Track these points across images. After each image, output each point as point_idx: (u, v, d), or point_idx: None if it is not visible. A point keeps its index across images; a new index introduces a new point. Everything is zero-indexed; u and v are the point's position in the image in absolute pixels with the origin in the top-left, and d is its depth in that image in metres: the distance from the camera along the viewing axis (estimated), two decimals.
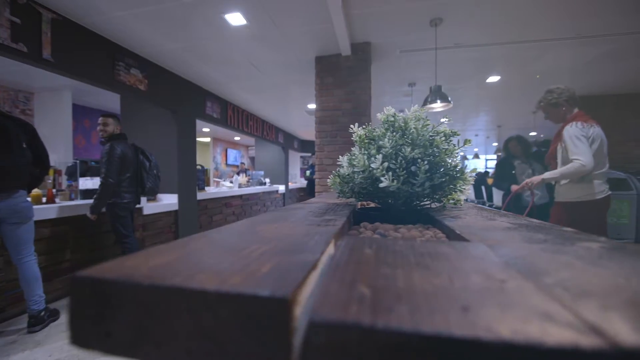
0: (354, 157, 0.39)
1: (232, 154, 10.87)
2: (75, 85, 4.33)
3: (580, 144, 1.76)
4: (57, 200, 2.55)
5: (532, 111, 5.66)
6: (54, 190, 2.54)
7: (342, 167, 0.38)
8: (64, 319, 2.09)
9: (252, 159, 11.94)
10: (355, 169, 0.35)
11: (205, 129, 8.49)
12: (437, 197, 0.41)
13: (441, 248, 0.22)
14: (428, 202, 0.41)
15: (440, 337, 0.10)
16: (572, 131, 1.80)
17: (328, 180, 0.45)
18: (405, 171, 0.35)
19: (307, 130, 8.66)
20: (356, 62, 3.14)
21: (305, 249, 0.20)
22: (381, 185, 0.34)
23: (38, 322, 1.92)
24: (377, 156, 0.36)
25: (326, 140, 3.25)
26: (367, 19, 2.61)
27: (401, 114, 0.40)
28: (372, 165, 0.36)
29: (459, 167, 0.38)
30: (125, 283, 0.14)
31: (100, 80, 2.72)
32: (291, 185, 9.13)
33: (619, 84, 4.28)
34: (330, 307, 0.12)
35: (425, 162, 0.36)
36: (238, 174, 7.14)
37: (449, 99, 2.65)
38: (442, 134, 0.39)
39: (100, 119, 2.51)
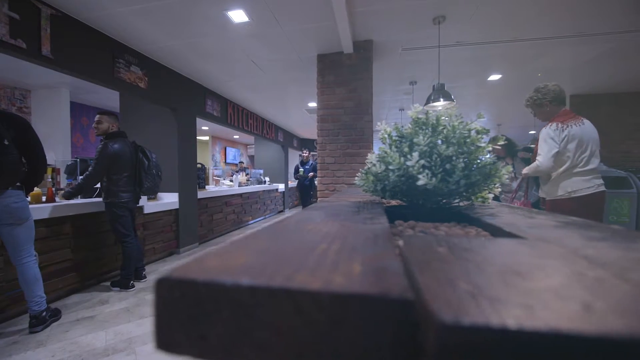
0: (385, 155, 0.38)
1: (231, 152, 10.83)
2: (73, 82, 4.28)
3: (544, 145, 1.86)
4: (57, 199, 2.52)
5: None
6: (53, 189, 2.51)
7: (374, 165, 0.37)
8: (65, 318, 2.07)
9: (251, 157, 11.91)
10: (391, 167, 0.34)
11: (204, 128, 8.45)
12: (467, 195, 0.40)
13: (514, 246, 0.21)
14: (457, 200, 0.40)
15: (594, 336, 0.10)
16: (544, 132, 1.89)
17: (355, 179, 0.44)
18: (441, 169, 0.34)
19: (306, 129, 8.65)
20: (358, 60, 3.13)
21: (375, 246, 0.19)
22: (419, 183, 0.33)
23: (39, 323, 1.90)
24: (412, 154, 0.35)
25: (328, 138, 3.24)
26: (370, 17, 2.60)
27: (432, 110, 0.39)
28: (408, 163, 0.35)
29: (492, 165, 0.37)
30: (221, 285, 0.13)
31: (100, 77, 2.69)
32: (291, 183, 9.11)
33: (619, 82, 4.29)
34: (449, 307, 0.11)
35: (461, 160, 0.35)
36: (237, 172, 7.11)
37: (452, 97, 2.64)
38: (474, 131, 0.38)
39: (96, 116, 2.51)
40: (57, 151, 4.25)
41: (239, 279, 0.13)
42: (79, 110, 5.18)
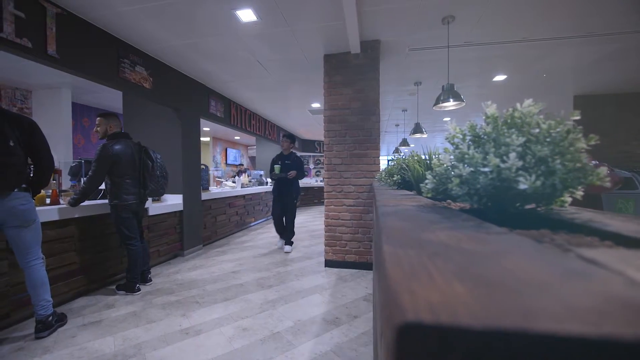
0: (468, 156, 0.35)
1: (232, 153, 10.78)
2: (75, 82, 4.24)
3: None
4: (61, 201, 2.47)
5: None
6: (58, 191, 2.47)
7: (457, 167, 0.34)
8: (71, 323, 2.02)
9: (252, 158, 11.87)
10: (485, 169, 0.31)
11: (206, 128, 8.40)
12: (548, 199, 0.37)
13: None
14: (533, 205, 0.37)
15: None
16: None
17: (427, 182, 0.41)
18: (539, 171, 0.31)
19: (308, 130, 8.62)
20: (365, 60, 3.10)
21: (567, 265, 0.16)
22: (521, 187, 0.30)
23: (46, 328, 1.85)
24: (508, 155, 0.32)
25: (335, 139, 3.21)
26: (378, 16, 2.58)
27: (518, 109, 0.36)
28: (501, 165, 0.32)
29: (588, 166, 0.34)
30: (517, 334, 0.10)
31: (105, 77, 2.65)
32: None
33: (623, 83, 4.30)
34: None
35: (558, 161, 0.32)
36: (238, 174, 7.07)
37: (462, 97, 2.62)
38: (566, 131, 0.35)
39: (97, 119, 2.50)
40: (59, 152, 4.19)
41: (534, 326, 0.10)
42: (80, 111, 5.13)
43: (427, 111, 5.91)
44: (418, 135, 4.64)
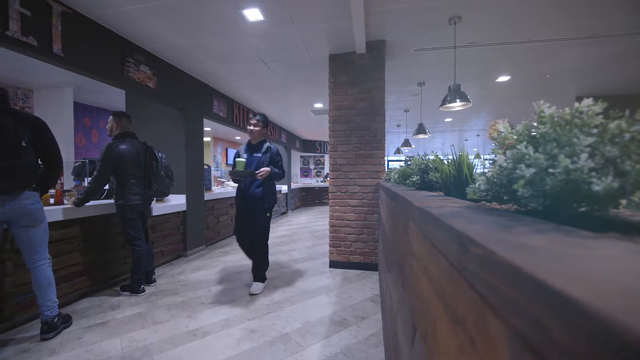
0: (528, 157, 0.34)
1: (233, 153, 10.76)
2: (76, 82, 4.21)
3: None
4: (65, 201, 2.45)
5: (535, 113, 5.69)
6: (62, 191, 2.45)
7: (519, 169, 0.33)
8: (76, 324, 2.00)
9: None
10: (555, 170, 0.30)
11: (207, 129, 8.38)
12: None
13: None
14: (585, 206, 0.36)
15: None
16: None
17: (479, 184, 0.40)
18: (610, 173, 0.30)
19: (309, 130, 8.61)
20: (371, 61, 3.10)
21: None
22: (595, 189, 0.29)
23: (51, 329, 1.83)
24: (579, 156, 0.31)
25: (340, 140, 3.20)
26: (385, 16, 2.57)
27: (585, 109, 0.35)
28: (571, 166, 0.31)
29: None
30: None
31: (110, 76, 2.63)
32: (293, 185, 9.05)
33: (625, 85, 4.31)
34: None
35: (628, 162, 0.31)
36: None
37: (468, 97, 2.62)
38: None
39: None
40: (61, 152, 4.16)
41: None
42: (81, 111, 5.09)
43: (429, 112, 5.91)
44: (421, 136, 4.64)
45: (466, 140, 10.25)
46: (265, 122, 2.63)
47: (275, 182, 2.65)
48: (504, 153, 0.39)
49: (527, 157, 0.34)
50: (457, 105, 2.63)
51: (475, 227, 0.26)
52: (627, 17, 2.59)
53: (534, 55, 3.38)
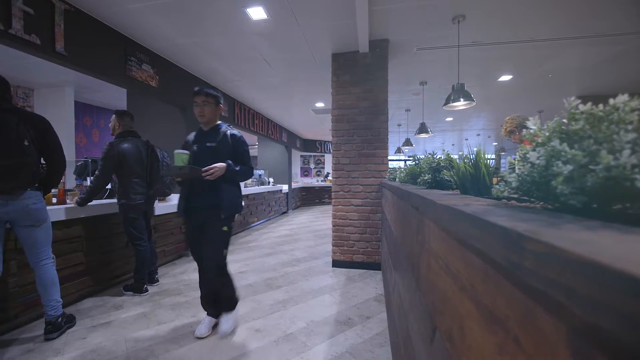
0: (564, 153, 0.33)
1: None
2: (77, 81, 4.19)
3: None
4: (67, 200, 2.44)
5: (538, 111, 5.70)
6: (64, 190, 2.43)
7: (556, 165, 0.33)
8: (80, 324, 1.99)
9: (253, 158, 11.82)
10: (597, 167, 0.30)
11: None
12: None
13: None
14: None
15: None
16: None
17: (512, 182, 0.39)
18: None
19: (310, 130, 8.60)
20: (374, 60, 3.09)
21: None
22: (639, 185, 0.29)
23: (55, 329, 1.82)
24: (621, 152, 0.30)
25: (343, 139, 3.19)
26: (388, 15, 2.56)
27: (613, 104, 0.34)
28: (613, 163, 0.31)
29: None
30: None
31: (112, 75, 2.62)
32: (293, 185, 9.05)
33: (626, 84, 4.31)
34: None
35: None
36: None
37: (472, 96, 2.62)
38: None
39: None
40: None
41: None
42: (81, 110, 5.07)
43: (430, 111, 5.91)
44: (423, 135, 4.64)
45: (466, 139, 10.26)
46: (217, 98, 1.91)
47: (239, 182, 1.95)
48: (535, 150, 0.38)
49: (562, 153, 0.33)
50: (461, 104, 2.63)
51: (523, 224, 0.25)
52: (629, 17, 2.60)
53: (536, 55, 3.38)
